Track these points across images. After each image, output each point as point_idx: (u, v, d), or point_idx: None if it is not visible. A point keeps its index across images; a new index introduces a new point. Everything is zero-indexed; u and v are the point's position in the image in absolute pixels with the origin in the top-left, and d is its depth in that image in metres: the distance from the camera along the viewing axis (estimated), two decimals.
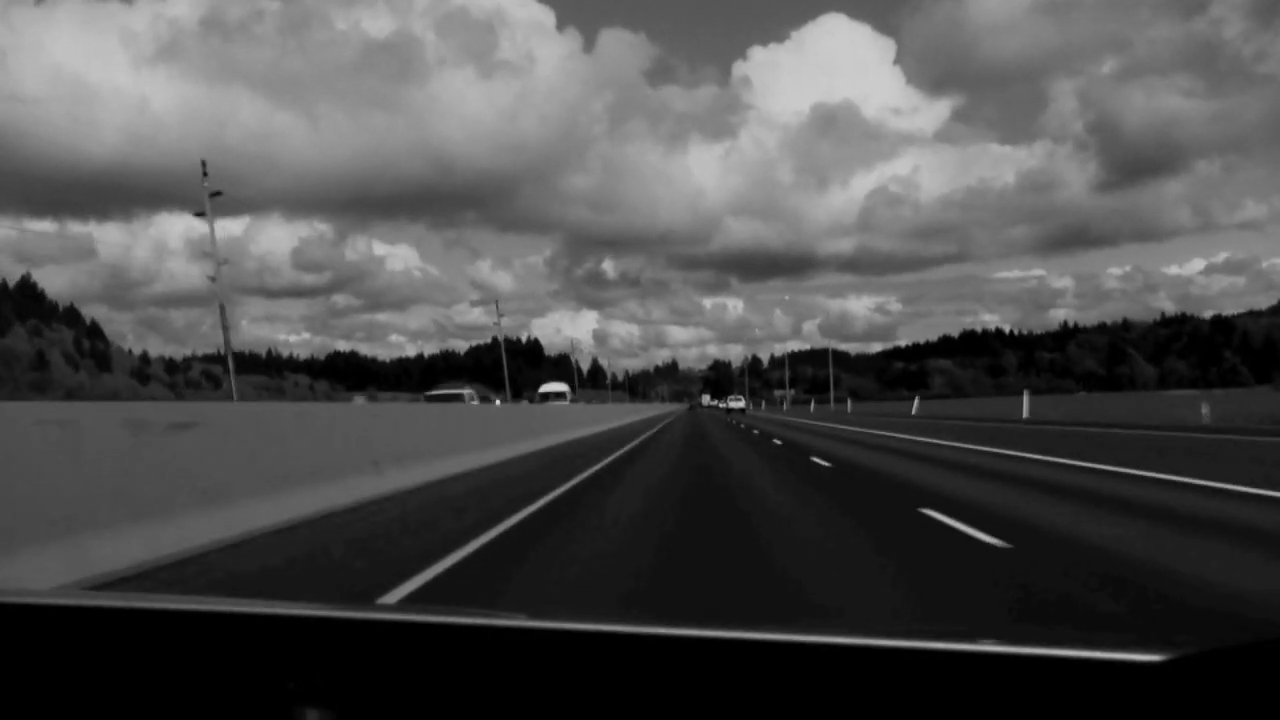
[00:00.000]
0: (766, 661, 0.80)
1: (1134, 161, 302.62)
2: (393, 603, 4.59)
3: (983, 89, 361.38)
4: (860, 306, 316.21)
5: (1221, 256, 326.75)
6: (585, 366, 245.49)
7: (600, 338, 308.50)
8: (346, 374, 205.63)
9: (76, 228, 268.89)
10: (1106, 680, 0.70)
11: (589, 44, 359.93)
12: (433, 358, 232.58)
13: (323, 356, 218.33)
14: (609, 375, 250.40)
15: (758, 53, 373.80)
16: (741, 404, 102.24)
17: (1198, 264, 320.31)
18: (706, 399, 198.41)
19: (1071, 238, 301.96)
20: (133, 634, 0.97)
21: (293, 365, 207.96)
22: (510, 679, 0.85)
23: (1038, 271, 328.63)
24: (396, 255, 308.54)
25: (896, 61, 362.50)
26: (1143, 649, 0.71)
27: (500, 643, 0.88)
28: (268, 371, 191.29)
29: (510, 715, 0.84)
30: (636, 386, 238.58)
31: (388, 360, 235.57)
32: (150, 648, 0.95)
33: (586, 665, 0.84)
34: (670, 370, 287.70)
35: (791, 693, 0.78)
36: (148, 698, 0.92)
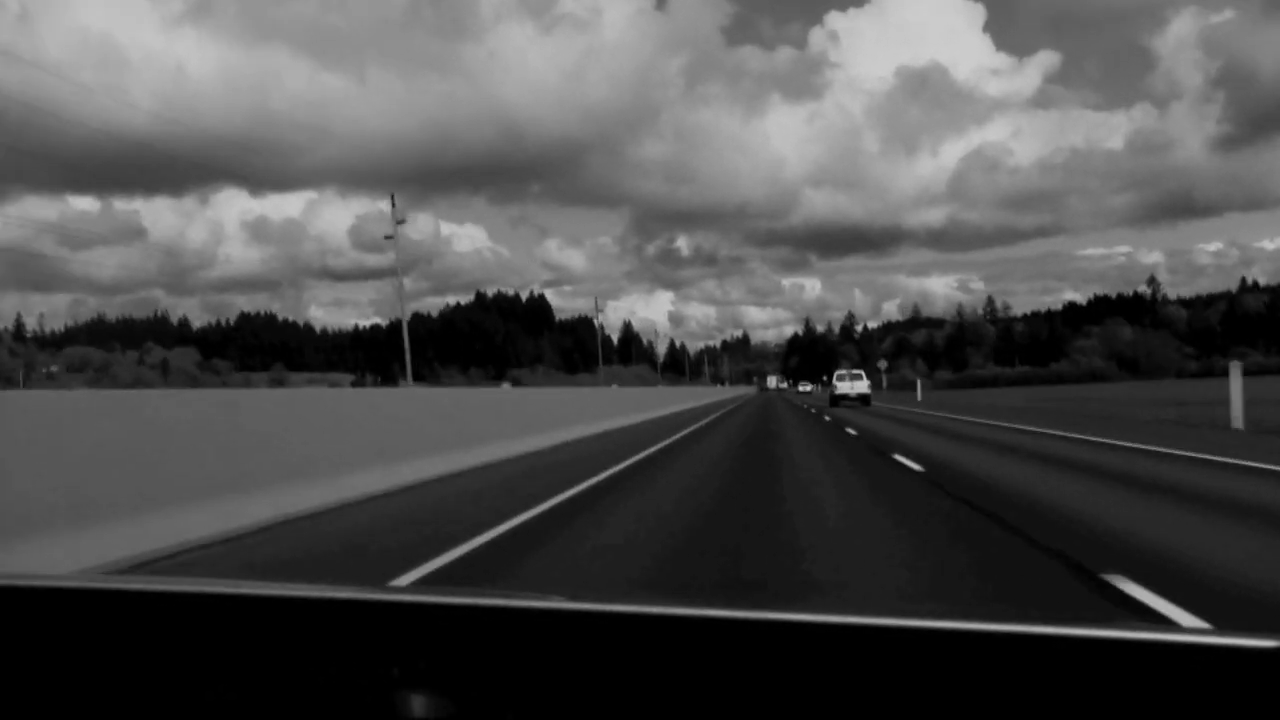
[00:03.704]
0: (838, 645, 0.83)
1: (1263, 114, 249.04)
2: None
3: (1087, 41, 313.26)
4: (941, 285, 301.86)
5: None
6: (616, 338, 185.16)
7: (676, 319, 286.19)
8: (256, 349, 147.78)
9: (121, 205, 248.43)
10: (1222, 665, 0.73)
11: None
12: (395, 325, 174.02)
13: (225, 323, 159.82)
14: (647, 347, 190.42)
15: (837, 18, 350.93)
16: (865, 386, 43.88)
17: None
18: (774, 381, 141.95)
19: (1177, 205, 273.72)
20: (231, 621, 1.01)
21: (183, 338, 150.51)
22: (612, 663, 0.89)
23: (1124, 248, 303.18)
24: (463, 235, 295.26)
25: (988, 23, 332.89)
26: (1256, 636, 0.74)
27: (602, 628, 0.92)
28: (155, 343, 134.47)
29: (616, 697, 0.87)
30: (683, 364, 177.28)
31: (329, 331, 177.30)
32: (248, 635, 0.99)
33: (692, 650, 0.88)
34: (741, 345, 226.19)
35: (870, 677, 0.80)
36: (249, 685, 0.96)
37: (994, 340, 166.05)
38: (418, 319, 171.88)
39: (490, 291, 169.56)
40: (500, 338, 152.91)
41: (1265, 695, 0.70)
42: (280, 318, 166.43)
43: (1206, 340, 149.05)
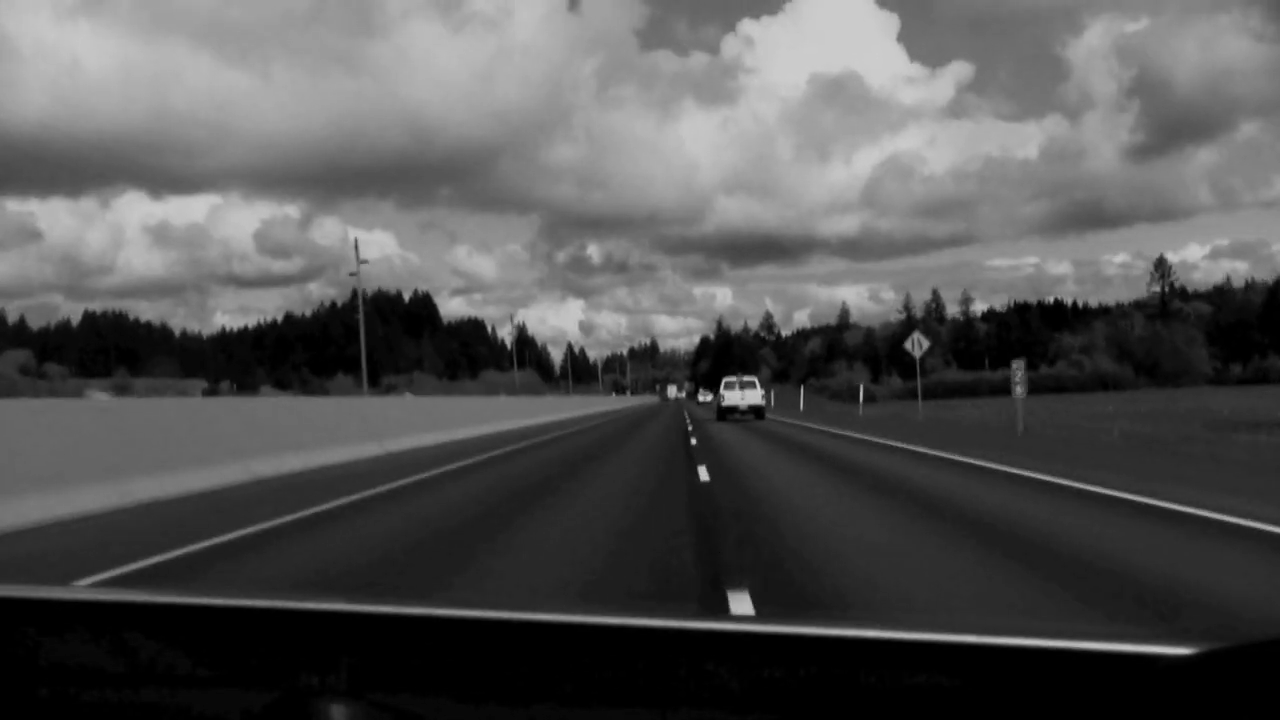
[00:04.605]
0: (804, 657, 0.83)
1: (1177, 123, 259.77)
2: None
3: (1001, 50, 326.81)
4: (852, 295, 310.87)
5: (1225, 241, 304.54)
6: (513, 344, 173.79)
7: (587, 328, 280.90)
8: (100, 351, 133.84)
9: (15, 206, 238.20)
10: (1134, 674, 0.73)
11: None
12: (264, 328, 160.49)
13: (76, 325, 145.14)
14: (541, 352, 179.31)
15: (751, 24, 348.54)
16: (757, 396, 39.19)
17: (1197, 249, 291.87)
18: (673, 390, 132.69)
19: (1088, 215, 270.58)
20: (146, 630, 1.01)
21: (19, 339, 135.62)
22: (532, 672, 0.89)
23: (1032, 258, 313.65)
24: (372, 241, 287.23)
25: (901, 33, 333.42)
26: (1171, 643, 0.74)
27: (525, 637, 0.93)
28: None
29: (532, 706, 0.88)
30: (582, 371, 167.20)
31: (188, 333, 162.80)
32: (164, 644, 0.99)
33: (610, 659, 0.89)
34: (648, 353, 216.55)
35: (806, 689, 0.81)
36: (162, 695, 0.96)
37: (948, 340, 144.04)
38: (290, 321, 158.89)
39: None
40: (375, 341, 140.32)
41: (1183, 702, 0.70)
42: (132, 318, 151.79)
43: (1235, 339, 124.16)
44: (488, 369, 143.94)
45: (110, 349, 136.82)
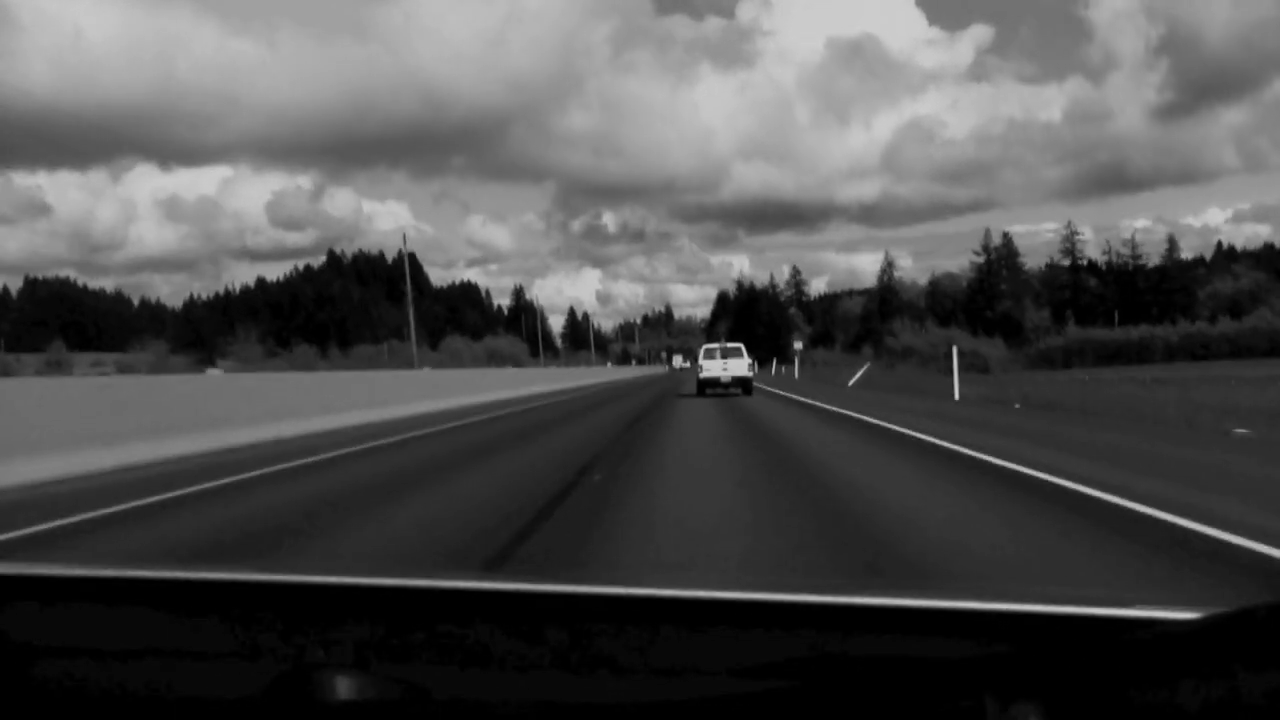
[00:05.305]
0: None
1: (1209, 79, 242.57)
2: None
3: (1020, 12, 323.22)
4: (870, 262, 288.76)
5: (1247, 205, 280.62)
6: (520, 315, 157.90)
7: (604, 298, 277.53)
8: (40, 323, 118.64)
9: (23, 180, 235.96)
10: (1139, 639, 0.75)
11: None
12: (232, 296, 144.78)
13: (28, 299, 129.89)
14: (539, 314, 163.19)
15: None
16: (744, 367, 33.23)
17: (1218, 213, 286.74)
18: (678, 360, 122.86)
19: (1112, 179, 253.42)
20: (151, 605, 1.02)
21: None
22: (537, 642, 0.89)
23: (1051, 224, 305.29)
24: (385, 212, 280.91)
25: None
26: (1175, 608, 0.76)
27: (527, 607, 0.93)
28: None
29: (538, 676, 0.88)
30: (587, 339, 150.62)
31: (150, 302, 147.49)
32: (169, 619, 1.00)
33: (618, 628, 0.89)
34: (663, 321, 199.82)
35: (813, 661, 0.82)
36: (164, 670, 0.97)
37: (1043, 291, 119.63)
38: (261, 286, 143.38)
39: (349, 252, 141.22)
40: (348, 307, 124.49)
41: (1187, 666, 0.70)
42: (81, 284, 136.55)
43: None
44: (452, 335, 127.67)
45: (49, 321, 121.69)
